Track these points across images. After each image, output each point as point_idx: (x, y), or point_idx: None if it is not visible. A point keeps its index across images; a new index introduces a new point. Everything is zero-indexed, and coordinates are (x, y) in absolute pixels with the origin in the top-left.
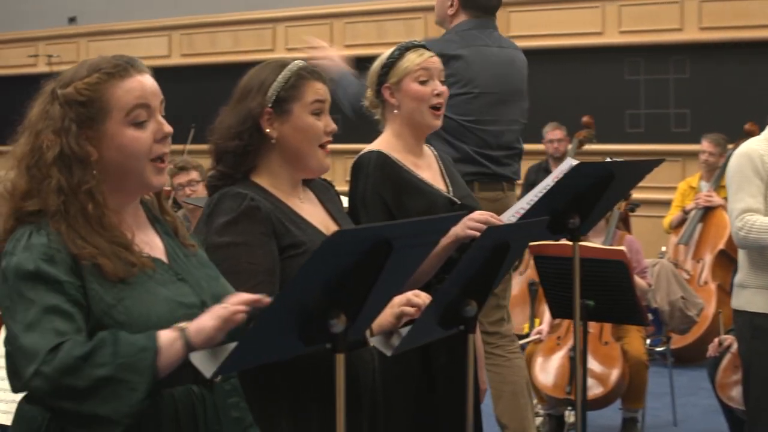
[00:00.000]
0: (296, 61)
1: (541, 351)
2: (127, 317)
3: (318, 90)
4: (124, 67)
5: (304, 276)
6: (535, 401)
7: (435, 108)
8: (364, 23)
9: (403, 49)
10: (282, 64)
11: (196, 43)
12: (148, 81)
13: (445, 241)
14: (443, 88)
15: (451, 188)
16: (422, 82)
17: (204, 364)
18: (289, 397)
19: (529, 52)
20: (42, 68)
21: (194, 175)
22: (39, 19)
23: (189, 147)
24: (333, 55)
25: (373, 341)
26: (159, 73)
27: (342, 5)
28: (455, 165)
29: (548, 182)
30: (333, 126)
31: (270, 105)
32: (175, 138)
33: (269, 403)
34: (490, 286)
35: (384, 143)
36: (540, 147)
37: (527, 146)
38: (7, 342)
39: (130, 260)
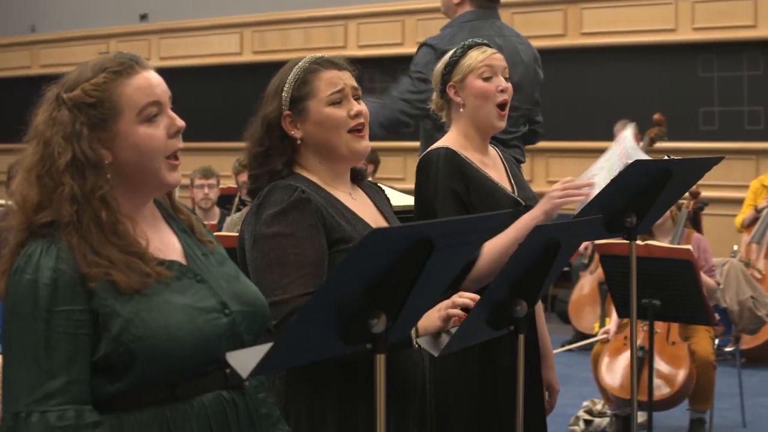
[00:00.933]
0: (307, 57)
1: (607, 351)
2: (146, 330)
3: (331, 79)
4: (129, 65)
5: (342, 274)
6: (602, 401)
7: (500, 107)
8: (436, 20)
9: (466, 47)
10: (293, 64)
11: (267, 40)
12: (154, 77)
13: (528, 223)
14: (507, 85)
15: (516, 189)
16: (486, 79)
17: (240, 363)
18: (338, 395)
19: (601, 49)
20: None
21: None
22: (110, 17)
23: None
24: None
25: (421, 341)
26: (230, 69)
27: (414, 2)
28: None
29: (611, 154)
30: (357, 108)
31: (288, 108)
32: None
33: (317, 400)
34: (540, 286)
35: (452, 140)
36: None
37: (600, 144)
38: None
39: (145, 270)
